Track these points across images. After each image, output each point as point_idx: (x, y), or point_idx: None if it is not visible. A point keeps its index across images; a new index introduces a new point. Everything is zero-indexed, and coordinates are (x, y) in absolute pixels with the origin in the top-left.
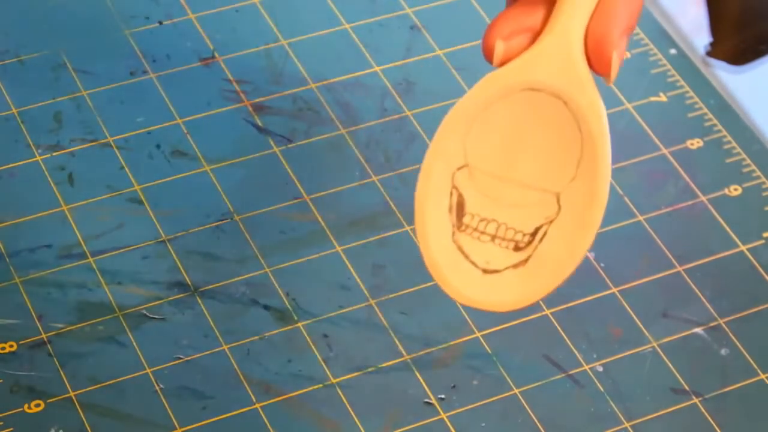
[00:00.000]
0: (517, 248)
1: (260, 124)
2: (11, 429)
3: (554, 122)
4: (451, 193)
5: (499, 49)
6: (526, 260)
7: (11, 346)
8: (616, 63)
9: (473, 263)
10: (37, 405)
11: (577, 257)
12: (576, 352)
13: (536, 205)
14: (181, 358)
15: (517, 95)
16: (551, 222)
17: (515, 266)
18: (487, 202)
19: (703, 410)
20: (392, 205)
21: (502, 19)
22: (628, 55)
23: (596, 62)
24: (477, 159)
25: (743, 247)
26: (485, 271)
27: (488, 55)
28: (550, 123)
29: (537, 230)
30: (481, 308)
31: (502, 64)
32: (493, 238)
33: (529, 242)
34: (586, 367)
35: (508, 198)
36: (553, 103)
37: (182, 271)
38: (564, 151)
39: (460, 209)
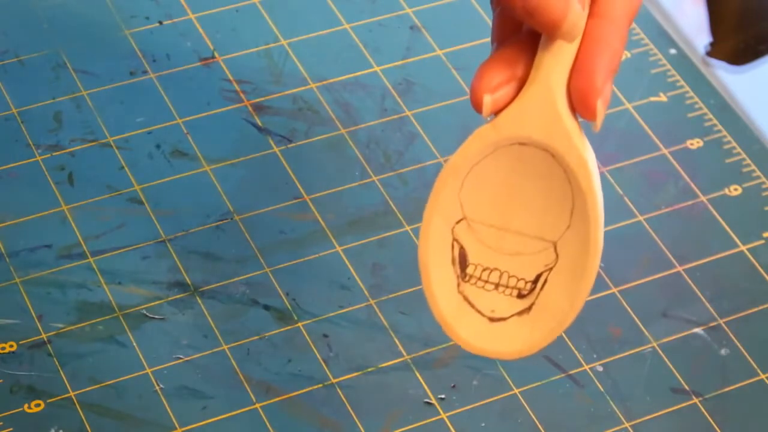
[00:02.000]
0: (520, 296)
1: (260, 124)
2: (11, 429)
3: (544, 174)
4: (453, 246)
5: (487, 102)
6: (529, 307)
7: (11, 346)
8: (601, 110)
9: (479, 312)
10: (37, 405)
11: (576, 305)
12: (576, 352)
13: (535, 253)
14: (181, 358)
15: (506, 149)
16: (551, 269)
17: (520, 314)
18: (488, 252)
19: (703, 410)
20: (392, 205)
21: (487, 70)
22: (628, 55)
23: (581, 111)
24: (473, 212)
25: (743, 247)
26: (491, 320)
27: (477, 108)
28: (541, 175)
29: (538, 277)
30: (490, 357)
31: (492, 114)
32: (497, 286)
33: (532, 289)
34: (586, 367)
35: (507, 247)
36: (541, 156)
37: (182, 271)
38: (557, 202)
39: (462, 260)
